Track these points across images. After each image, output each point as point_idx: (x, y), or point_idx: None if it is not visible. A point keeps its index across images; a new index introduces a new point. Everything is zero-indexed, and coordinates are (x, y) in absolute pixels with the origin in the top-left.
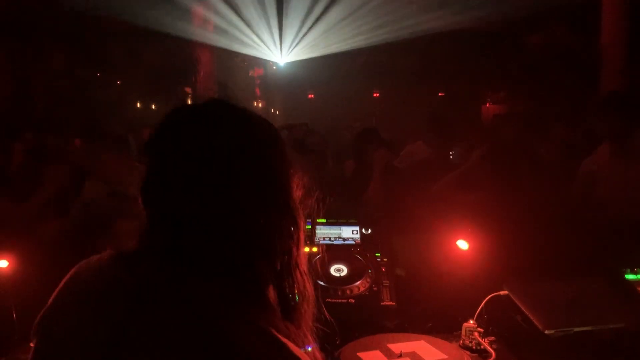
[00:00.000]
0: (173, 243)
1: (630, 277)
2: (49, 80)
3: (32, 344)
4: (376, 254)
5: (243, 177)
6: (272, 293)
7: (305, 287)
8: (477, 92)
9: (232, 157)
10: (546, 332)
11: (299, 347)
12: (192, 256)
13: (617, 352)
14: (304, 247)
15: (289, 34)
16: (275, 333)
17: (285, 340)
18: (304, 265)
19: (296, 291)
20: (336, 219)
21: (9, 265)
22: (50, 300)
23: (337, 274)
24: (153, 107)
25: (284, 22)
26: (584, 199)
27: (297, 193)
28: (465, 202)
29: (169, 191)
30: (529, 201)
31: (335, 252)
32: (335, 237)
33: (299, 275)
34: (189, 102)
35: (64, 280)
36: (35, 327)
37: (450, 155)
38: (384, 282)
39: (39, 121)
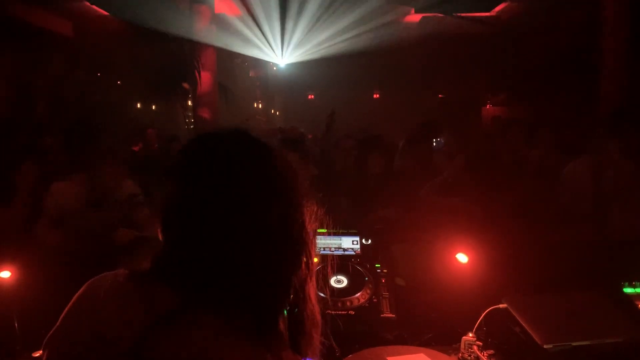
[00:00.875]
0: (189, 271)
1: (628, 290)
2: (48, 82)
3: (35, 354)
4: (376, 265)
5: (262, 212)
6: (282, 322)
7: (315, 316)
8: (477, 95)
9: (252, 192)
10: (545, 346)
11: None
12: (207, 286)
13: None
14: (315, 279)
15: (291, 35)
16: None
17: None
18: (314, 295)
19: (306, 320)
20: (336, 229)
21: (11, 276)
22: (63, 314)
23: (337, 285)
24: (153, 107)
25: (286, 23)
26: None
27: (311, 226)
28: (449, 206)
29: (189, 220)
30: (512, 205)
31: (335, 262)
32: (335, 248)
33: (309, 306)
34: (190, 101)
35: (77, 295)
36: (46, 341)
37: (434, 143)
38: (384, 293)
39: (38, 124)
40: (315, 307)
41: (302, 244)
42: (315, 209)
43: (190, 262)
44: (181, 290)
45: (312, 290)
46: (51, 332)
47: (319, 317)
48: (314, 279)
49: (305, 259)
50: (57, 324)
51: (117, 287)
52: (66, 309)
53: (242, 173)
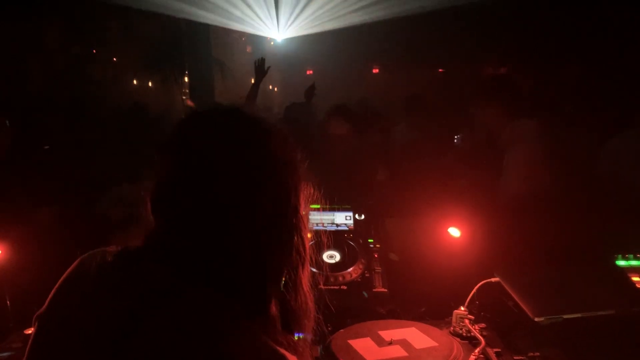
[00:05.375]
0: (180, 251)
1: (621, 263)
2: (43, 58)
3: (27, 331)
4: (369, 240)
5: (255, 194)
6: (274, 307)
7: (307, 302)
8: (477, 69)
9: (246, 172)
10: (536, 319)
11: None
12: (198, 266)
13: (607, 339)
14: (309, 265)
15: (286, 9)
16: (275, 345)
17: (283, 351)
18: (307, 282)
19: (297, 309)
20: (329, 205)
21: (2, 253)
22: (54, 291)
23: (330, 261)
24: (150, 84)
25: None
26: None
27: (306, 209)
28: (455, 187)
29: (181, 200)
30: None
31: (328, 238)
32: (328, 223)
33: (302, 292)
34: (186, 78)
35: (68, 271)
36: (36, 317)
37: (455, 139)
38: (377, 268)
39: (33, 100)
40: (307, 295)
41: (295, 228)
42: (311, 191)
43: (182, 241)
44: (173, 269)
45: (305, 278)
46: (42, 309)
47: (311, 305)
48: (307, 266)
49: (297, 245)
50: (48, 299)
51: (108, 264)
52: (57, 285)
53: (237, 152)
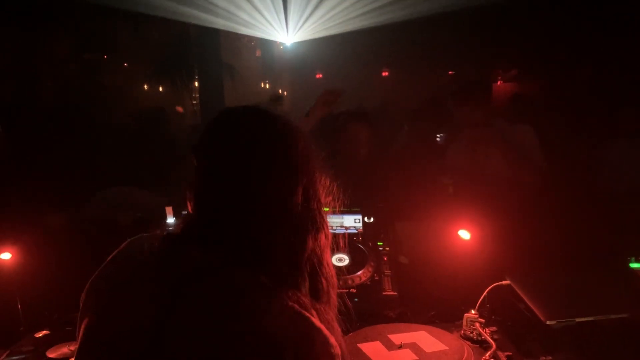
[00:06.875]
0: (217, 235)
1: (635, 266)
2: (54, 65)
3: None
4: (378, 243)
5: (286, 186)
6: (304, 280)
7: (332, 277)
8: (487, 71)
9: (276, 167)
10: (548, 322)
11: (325, 325)
12: (235, 248)
13: (620, 342)
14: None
15: (296, 13)
16: (304, 311)
17: (313, 319)
18: (329, 257)
19: (324, 281)
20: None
21: (12, 257)
22: (100, 270)
23: (339, 264)
24: (160, 89)
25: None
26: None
27: (326, 200)
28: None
29: (217, 191)
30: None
31: (337, 241)
32: (337, 226)
33: (327, 269)
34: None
35: (116, 252)
36: (84, 296)
37: (438, 138)
38: (386, 271)
39: (44, 108)
40: (332, 270)
41: (320, 217)
42: (327, 184)
43: (219, 227)
44: (210, 251)
45: (329, 256)
46: (87, 286)
47: (335, 278)
48: (329, 244)
49: (321, 226)
50: (93, 278)
51: (156, 246)
52: (102, 266)
53: (267, 148)
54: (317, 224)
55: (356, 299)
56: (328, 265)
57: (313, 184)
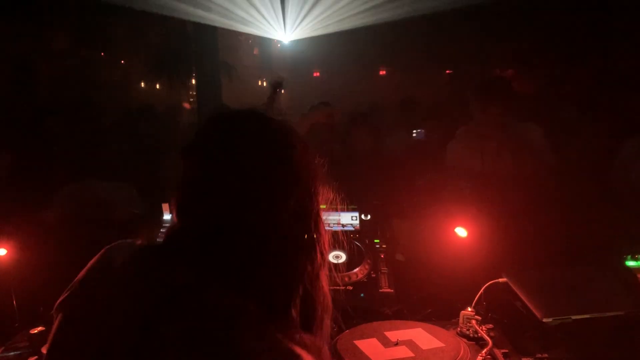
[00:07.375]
0: (204, 250)
1: (631, 263)
2: (50, 61)
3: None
4: (375, 240)
5: (279, 198)
6: (294, 306)
7: (327, 302)
8: (484, 70)
9: (270, 176)
10: (544, 320)
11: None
12: (221, 266)
13: (617, 340)
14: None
15: (293, 11)
16: (291, 344)
17: (300, 350)
18: (327, 283)
19: (318, 306)
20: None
21: (7, 253)
22: (79, 278)
23: (335, 261)
24: (157, 87)
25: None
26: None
27: (325, 210)
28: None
29: (206, 201)
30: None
31: (334, 238)
32: (334, 223)
33: (322, 293)
34: (194, 80)
35: (93, 261)
36: (60, 303)
37: (414, 133)
38: (383, 269)
39: (40, 102)
40: (327, 294)
41: (316, 231)
42: (330, 197)
43: (205, 241)
44: (196, 267)
45: (325, 278)
46: (64, 295)
47: (330, 303)
48: (326, 265)
49: (319, 249)
50: (72, 287)
51: (134, 258)
52: (81, 273)
53: (261, 156)
54: (312, 241)
55: (362, 295)
56: (323, 288)
57: (310, 196)
